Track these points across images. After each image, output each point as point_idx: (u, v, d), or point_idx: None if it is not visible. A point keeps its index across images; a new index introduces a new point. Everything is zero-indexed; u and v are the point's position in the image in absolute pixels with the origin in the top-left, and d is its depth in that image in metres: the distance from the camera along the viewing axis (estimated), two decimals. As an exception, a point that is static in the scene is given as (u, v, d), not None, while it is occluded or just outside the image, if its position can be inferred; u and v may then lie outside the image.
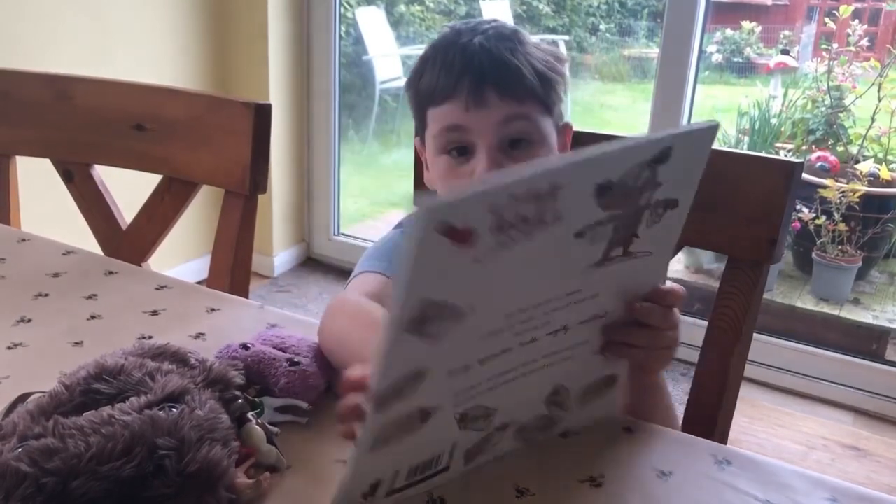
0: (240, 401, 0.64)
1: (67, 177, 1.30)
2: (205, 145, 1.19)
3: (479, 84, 0.85)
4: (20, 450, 0.53)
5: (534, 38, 0.92)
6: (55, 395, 0.59)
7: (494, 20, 0.92)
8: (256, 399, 0.68)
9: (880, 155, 2.72)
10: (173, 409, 0.57)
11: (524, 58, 0.87)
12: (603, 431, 0.74)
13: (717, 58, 3.51)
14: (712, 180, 0.96)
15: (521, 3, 3.81)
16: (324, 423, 0.73)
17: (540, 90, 0.87)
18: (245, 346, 0.75)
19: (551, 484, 0.67)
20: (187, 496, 0.54)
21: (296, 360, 0.74)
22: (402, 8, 3.79)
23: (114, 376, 0.60)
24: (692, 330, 1.08)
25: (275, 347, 0.76)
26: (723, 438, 0.96)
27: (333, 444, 0.71)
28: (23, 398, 0.63)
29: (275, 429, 0.68)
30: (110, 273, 1.07)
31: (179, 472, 0.54)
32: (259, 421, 0.65)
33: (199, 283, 1.15)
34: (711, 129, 0.59)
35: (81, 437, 0.53)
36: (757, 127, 2.99)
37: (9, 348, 0.86)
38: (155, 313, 0.96)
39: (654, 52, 2.75)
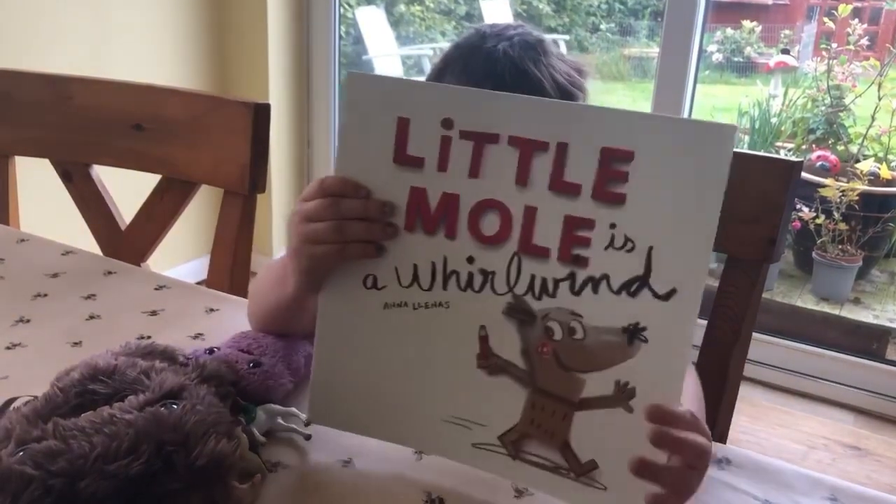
0: (230, 400, 0.64)
1: (66, 177, 1.30)
2: (204, 145, 1.19)
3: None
4: (21, 453, 0.52)
5: (558, 49, 0.90)
6: (49, 398, 0.59)
7: (521, 25, 0.91)
8: (248, 405, 0.68)
9: (880, 154, 2.72)
10: (174, 406, 0.57)
11: (546, 69, 0.86)
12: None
13: (717, 57, 3.50)
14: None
15: (522, 3, 3.81)
16: (320, 427, 0.72)
17: None
18: (210, 351, 0.74)
19: (550, 484, 0.67)
20: (197, 490, 0.54)
21: (259, 360, 0.74)
22: (402, 8, 3.79)
23: (108, 376, 0.60)
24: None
25: (244, 350, 0.76)
26: (722, 438, 0.96)
27: (329, 447, 0.71)
28: (8, 403, 0.63)
29: (262, 438, 0.67)
30: (109, 273, 1.07)
31: (188, 466, 0.54)
32: (246, 427, 0.64)
33: (198, 283, 1.15)
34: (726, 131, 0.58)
35: (84, 438, 0.53)
36: (757, 126, 2.98)
37: (7, 349, 0.86)
38: (154, 313, 0.96)
39: (654, 51, 2.75)
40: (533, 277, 0.63)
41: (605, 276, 0.60)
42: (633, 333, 0.60)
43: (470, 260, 0.64)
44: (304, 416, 0.72)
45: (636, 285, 0.59)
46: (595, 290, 0.61)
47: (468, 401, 0.66)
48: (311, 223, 0.68)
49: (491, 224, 0.63)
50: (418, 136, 0.64)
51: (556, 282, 0.62)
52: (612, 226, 0.60)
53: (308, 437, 0.71)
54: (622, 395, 0.61)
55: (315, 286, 0.70)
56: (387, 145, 0.65)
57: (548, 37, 0.91)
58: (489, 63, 0.85)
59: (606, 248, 0.60)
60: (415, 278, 0.66)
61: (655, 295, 0.59)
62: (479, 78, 0.85)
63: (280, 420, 0.71)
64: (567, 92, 0.87)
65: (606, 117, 0.60)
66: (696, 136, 0.58)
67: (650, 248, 0.59)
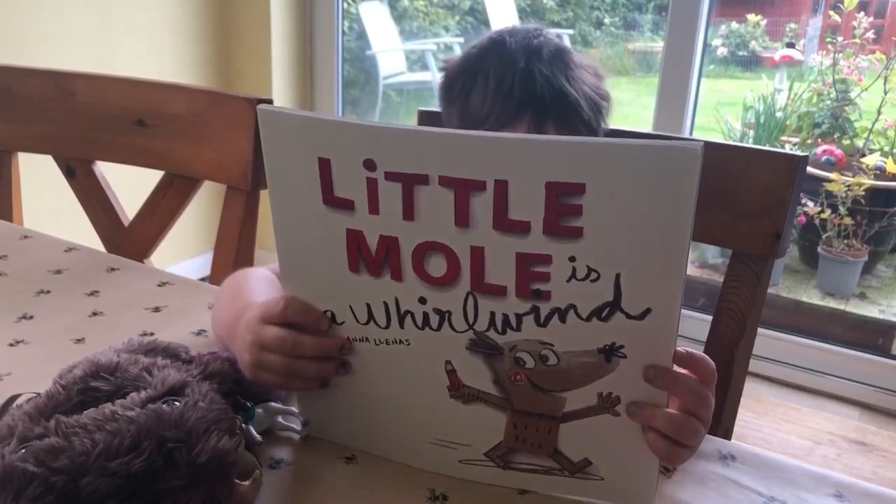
0: (233, 398, 0.64)
1: (69, 173, 1.30)
2: (206, 141, 1.19)
3: (541, 119, 0.83)
4: (24, 451, 0.52)
5: (576, 54, 0.89)
6: (52, 395, 0.58)
7: (538, 29, 0.89)
8: (248, 404, 0.68)
9: (886, 148, 2.71)
10: (176, 403, 0.57)
11: (579, 86, 0.85)
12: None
13: (722, 51, 3.49)
14: (717, 174, 0.95)
15: (525, -2, 3.80)
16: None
17: (593, 121, 0.86)
18: (211, 354, 0.74)
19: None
20: (198, 487, 0.54)
21: None
22: (406, 3, 3.78)
23: (111, 373, 0.60)
24: (697, 325, 1.08)
25: None
26: (727, 434, 0.95)
27: (332, 444, 0.71)
28: (11, 400, 0.63)
29: (258, 437, 0.67)
30: (112, 269, 1.07)
31: (190, 463, 0.54)
32: (243, 426, 0.64)
33: (201, 279, 1.15)
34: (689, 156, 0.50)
35: (86, 435, 0.53)
36: (762, 121, 2.97)
37: (10, 345, 0.86)
38: (157, 310, 0.95)
39: (658, 45, 2.73)
40: (493, 314, 0.58)
41: (572, 306, 0.56)
42: (611, 352, 0.57)
43: (422, 301, 0.60)
44: (302, 417, 0.71)
45: (607, 311, 0.56)
46: (563, 320, 0.57)
47: (447, 426, 0.65)
48: (265, 352, 0.66)
49: (437, 265, 0.58)
50: (342, 177, 0.58)
51: (519, 316, 0.57)
52: (572, 259, 0.54)
53: (306, 437, 0.71)
54: (607, 404, 0.60)
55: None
56: (314, 186, 0.59)
57: (562, 34, 0.89)
58: (527, 87, 0.83)
59: (568, 280, 0.55)
60: (370, 317, 0.63)
61: (629, 316, 0.55)
62: (517, 103, 0.83)
63: (280, 419, 0.71)
64: (598, 107, 0.86)
65: (547, 150, 0.52)
66: (656, 160, 0.51)
67: (617, 275, 0.54)
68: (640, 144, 0.51)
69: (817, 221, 2.63)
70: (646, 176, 0.51)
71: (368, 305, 0.62)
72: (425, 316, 0.60)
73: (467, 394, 0.63)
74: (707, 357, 0.62)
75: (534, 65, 0.84)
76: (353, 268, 0.61)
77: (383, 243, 0.59)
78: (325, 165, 0.58)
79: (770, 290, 0.97)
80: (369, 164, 0.56)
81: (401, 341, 0.63)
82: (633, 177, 0.52)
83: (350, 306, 0.63)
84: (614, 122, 0.94)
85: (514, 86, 0.83)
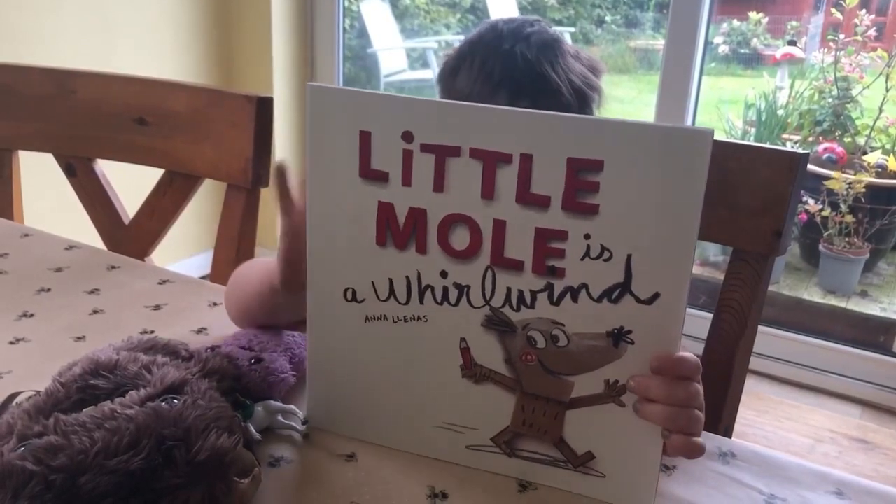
0: (233, 396, 0.64)
1: (70, 171, 1.30)
2: (207, 139, 1.19)
3: (516, 98, 0.84)
4: (22, 449, 0.52)
5: (574, 47, 0.90)
6: (51, 393, 0.58)
7: (537, 20, 0.90)
8: (247, 402, 0.68)
9: (888, 146, 2.70)
10: (175, 401, 0.57)
11: (563, 72, 0.85)
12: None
13: (723, 49, 3.48)
14: (718, 172, 0.95)
15: (527, -5, 3.79)
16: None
17: (575, 108, 0.86)
18: (212, 349, 0.74)
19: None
20: (197, 485, 0.54)
21: (260, 356, 0.73)
22: (407, 0, 3.78)
23: (110, 371, 0.60)
24: (697, 322, 1.08)
25: (244, 347, 0.75)
26: (728, 432, 0.95)
27: (332, 441, 0.71)
28: (11, 398, 0.63)
29: (257, 435, 0.67)
30: (112, 268, 1.07)
31: (189, 461, 0.54)
32: (242, 423, 0.64)
33: (202, 277, 1.15)
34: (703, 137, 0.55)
35: (85, 433, 0.53)
36: (763, 118, 2.96)
37: (11, 343, 0.86)
38: (157, 308, 0.95)
39: (660, 43, 2.73)
40: (509, 290, 0.62)
41: (584, 286, 0.59)
42: (619, 336, 0.60)
43: (443, 274, 0.63)
44: (302, 414, 0.71)
45: (617, 292, 0.59)
46: (574, 299, 0.60)
47: (457, 408, 0.67)
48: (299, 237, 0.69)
49: (460, 238, 0.62)
50: (380, 149, 0.62)
51: (534, 293, 0.61)
52: (587, 236, 0.58)
53: (306, 436, 0.71)
54: (613, 392, 0.62)
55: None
56: (352, 159, 0.63)
57: (563, 32, 0.90)
58: (506, 67, 0.84)
59: (582, 258, 0.59)
60: (391, 292, 0.65)
61: (638, 300, 0.58)
62: (495, 83, 0.84)
63: (280, 417, 0.71)
64: (582, 94, 0.86)
65: (571, 127, 0.57)
66: (671, 142, 0.55)
67: (629, 256, 0.58)
68: (657, 125, 0.56)
69: (818, 219, 2.63)
70: (660, 155, 0.55)
71: (391, 280, 0.65)
72: (445, 290, 0.63)
73: (479, 373, 0.65)
74: (685, 357, 0.61)
75: (518, 48, 0.85)
76: (381, 241, 0.64)
77: (412, 215, 0.62)
78: (365, 138, 0.62)
79: (771, 288, 0.97)
80: (407, 136, 0.61)
81: (418, 318, 0.65)
82: (649, 155, 0.55)
83: (372, 282, 0.66)
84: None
85: (495, 66, 0.85)
